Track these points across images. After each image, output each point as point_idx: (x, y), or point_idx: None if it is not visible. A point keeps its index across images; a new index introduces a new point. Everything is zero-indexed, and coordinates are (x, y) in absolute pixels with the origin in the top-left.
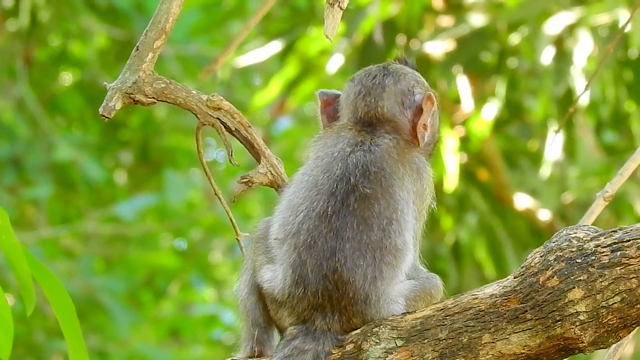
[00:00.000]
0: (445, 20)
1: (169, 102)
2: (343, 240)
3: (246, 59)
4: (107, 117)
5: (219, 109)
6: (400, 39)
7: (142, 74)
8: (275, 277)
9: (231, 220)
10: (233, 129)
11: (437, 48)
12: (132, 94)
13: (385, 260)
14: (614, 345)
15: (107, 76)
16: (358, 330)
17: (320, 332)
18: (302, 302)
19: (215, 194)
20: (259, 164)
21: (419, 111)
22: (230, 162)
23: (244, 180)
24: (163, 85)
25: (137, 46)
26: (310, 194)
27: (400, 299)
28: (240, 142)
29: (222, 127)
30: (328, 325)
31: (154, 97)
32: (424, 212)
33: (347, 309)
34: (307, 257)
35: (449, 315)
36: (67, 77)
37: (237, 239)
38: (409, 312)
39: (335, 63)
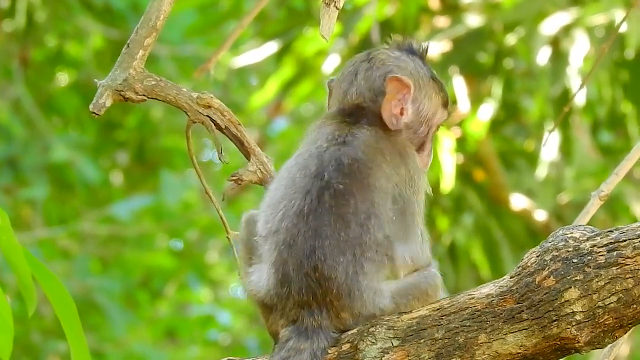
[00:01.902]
0: (442, 21)
1: (159, 100)
2: (322, 238)
3: (242, 60)
4: (97, 114)
5: (209, 106)
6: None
7: (132, 72)
8: (260, 278)
9: (221, 218)
10: (223, 126)
11: (433, 49)
12: (122, 91)
13: (366, 255)
14: (609, 345)
15: (104, 77)
16: (354, 330)
17: (312, 330)
18: (288, 302)
19: (206, 192)
20: (248, 160)
21: (384, 94)
22: (220, 160)
23: (234, 178)
24: (153, 83)
25: (128, 43)
26: (288, 191)
27: (388, 292)
28: (230, 139)
29: (212, 124)
30: (318, 322)
31: (144, 95)
32: (419, 198)
33: (333, 304)
34: (287, 256)
35: (445, 315)
36: (63, 78)
37: (227, 237)
38: (405, 312)
39: (331, 64)
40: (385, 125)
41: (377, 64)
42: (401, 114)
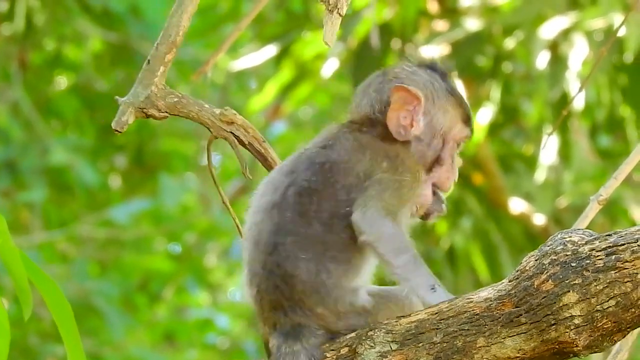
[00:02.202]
0: (440, 25)
1: (181, 116)
2: (284, 234)
3: (241, 63)
4: (119, 132)
5: (232, 122)
6: (395, 43)
7: (154, 88)
8: (243, 281)
9: (237, 227)
10: (246, 142)
11: (432, 52)
12: (144, 108)
13: (328, 254)
14: (612, 352)
15: (102, 80)
16: (353, 334)
17: (296, 329)
18: (262, 303)
19: (223, 202)
20: None
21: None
22: (244, 176)
23: None
24: (176, 100)
25: (149, 60)
26: (266, 188)
27: (364, 292)
28: (254, 155)
29: (236, 140)
30: (295, 320)
31: (166, 112)
32: (396, 187)
33: (304, 302)
34: (255, 254)
35: (443, 319)
36: (62, 81)
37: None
38: (403, 316)
39: (330, 67)
40: (394, 137)
41: (390, 76)
42: (411, 125)
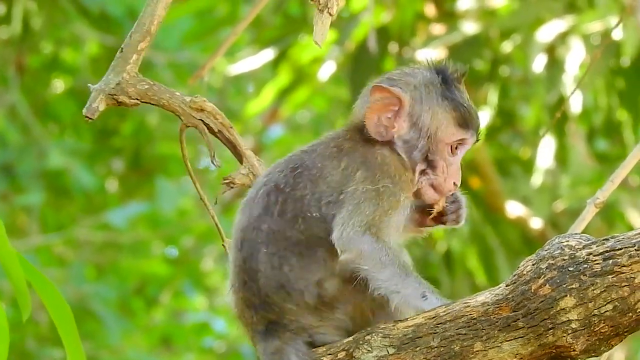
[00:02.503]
0: (438, 28)
1: (152, 104)
2: (250, 230)
3: (239, 67)
4: (90, 119)
5: (202, 110)
6: (393, 47)
7: (125, 76)
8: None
9: (216, 225)
10: (216, 130)
11: (430, 56)
12: (115, 95)
13: (293, 249)
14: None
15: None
16: (350, 338)
17: (272, 327)
18: (239, 303)
19: (200, 197)
20: (241, 164)
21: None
22: (212, 164)
23: (226, 181)
24: (146, 87)
25: (122, 48)
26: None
27: (330, 282)
28: (223, 143)
29: (205, 128)
30: (269, 317)
31: (137, 99)
32: (373, 197)
33: (271, 297)
34: (231, 253)
35: (440, 323)
36: (59, 84)
37: (222, 245)
38: (400, 320)
39: (327, 71)
40: (380, 140)
41: (383, 78)
42: (393, 126)
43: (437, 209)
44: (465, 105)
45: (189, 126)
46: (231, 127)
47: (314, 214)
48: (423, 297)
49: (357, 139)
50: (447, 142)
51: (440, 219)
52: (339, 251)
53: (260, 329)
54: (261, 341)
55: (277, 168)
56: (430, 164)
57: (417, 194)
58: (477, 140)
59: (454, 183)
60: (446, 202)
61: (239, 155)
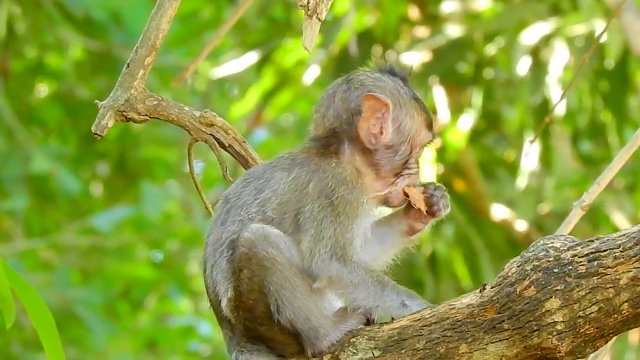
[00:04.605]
0: (422, 31)
1: (161, 119)
2: (209, 235)
3: (223, 71)
4: (99, 135)
5: (212, 125)
6: (377, 50)
7: (134, 92)
8: None
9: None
10: (226, 144)
11: (414, 59)
12: (124, 111)
13: (225, 255)
14: (591, 355)
15: (84, 87)
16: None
17: (230, 333)
18: (211, 306)
19: (206, 207)
20: None
21: (360, 113)
22: (225, 178)
23: None
24: (155, 103)
25: (128, 63)
26: None
27: None
28: (234, 157)
29: (216, 142)
30: (227, 324)
31: (146, 115)
32: (330, 214)
33: (217, 299)
34: None
35: (426, 326)
36: (43, 89)
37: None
38: (385, 322)
39: (311, 74)
40: (360, 149)
41: (356, 84)
42: (381, 133)
43: (419, 203)
44: (426, 106)
45: (198, 141)
46: (244, 142)
47: (251, 216)
48: (403, 305)
49: (314, 151)
50: (420, 144)
51: (431, 211)
52: (311, 279)
53: (228, 337)
54: (227, 344)
55: (236, 181)
56: (404, 165)
57: (388, 199)
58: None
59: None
60: (428, 193)
61: None
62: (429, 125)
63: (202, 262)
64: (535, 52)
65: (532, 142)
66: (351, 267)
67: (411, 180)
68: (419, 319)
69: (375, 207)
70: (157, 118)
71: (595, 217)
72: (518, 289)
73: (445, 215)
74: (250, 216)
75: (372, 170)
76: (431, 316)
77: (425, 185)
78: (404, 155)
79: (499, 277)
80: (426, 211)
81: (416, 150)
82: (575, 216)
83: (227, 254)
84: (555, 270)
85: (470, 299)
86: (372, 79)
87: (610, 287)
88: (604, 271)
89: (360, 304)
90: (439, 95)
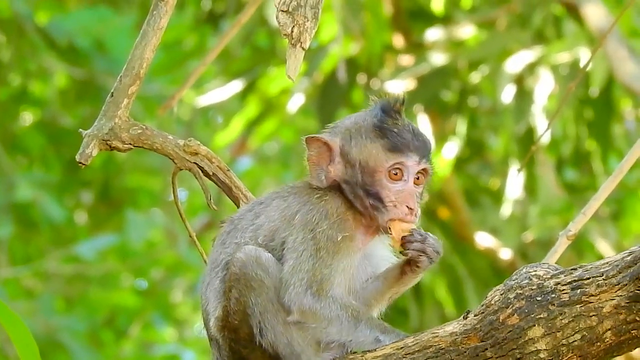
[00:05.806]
0: (406, 59)
1: (145, 148)
2: (208, 262)
3: (207, 99)
4: (83, 164)
5: (196, 153)
6: (361, 78)
7: (117, 121)
8: None
9: (205, 262)
10: (210, 173)
11: (398, 87)
12: (108, 140)
13: (219, 275)
14: None
15: (68, 115)
16: None
17: (217, 354)
18: (204, 327)
19: (190, 236)
20: (237, 207)
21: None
22: (209, 206)
23: (224, 223)
24: (139, 131)
25: (112, 92)
26: None
27: None
28: (218, 185)
29: (200, 171)
30: (216, 340)
31: (130, 143)
32: (311, 247)
33: (210, 319)
34: None
35: (409, 354)
36: (27, 117)
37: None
38: (369, 350)
39: (296, 102)
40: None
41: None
42: (329, 171)
43: (393, 242)
44: (396, 130)
45: (182, 169)
46: (228, 170)
47: (245, 240)
48: (377, 341)
49: (309, 183)
50: (380, 170)
51: (404, 253)
52: (284, 312)
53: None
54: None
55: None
56: (375, 197)
57: (385, 230)
58: (429, 161)
59: (407, 207)
60: (410, 235)
61: (234, 198)
62: (394, 149)
63: (202, 281)
64: (520, 80)
65: (519, 170)
66: (325, 302)
67: (406, 219)
68: (402, 347)
69: (368, 241)
70: (141, 147)
71: (579, 245)
72: (501, 317)
73: (423, 266)
74: (244, 240)
75: (357, 205)
76: (414, 344)
77: (414, 228)
78: (363, 185)
79: (482, 305)
80: (402, 254)
81: (376, 177)
82: (561, 245)
83: (221, 274)
84: (539, 299)
85: (454, 327)
86: (341, 120)
87: (594, 315)
88: (587, 299)
89: (334, 339)
90: (423, 123)
